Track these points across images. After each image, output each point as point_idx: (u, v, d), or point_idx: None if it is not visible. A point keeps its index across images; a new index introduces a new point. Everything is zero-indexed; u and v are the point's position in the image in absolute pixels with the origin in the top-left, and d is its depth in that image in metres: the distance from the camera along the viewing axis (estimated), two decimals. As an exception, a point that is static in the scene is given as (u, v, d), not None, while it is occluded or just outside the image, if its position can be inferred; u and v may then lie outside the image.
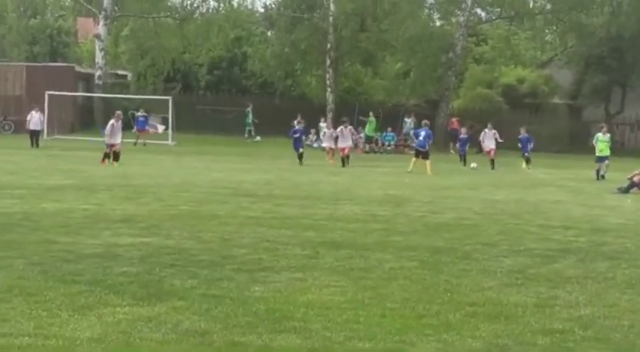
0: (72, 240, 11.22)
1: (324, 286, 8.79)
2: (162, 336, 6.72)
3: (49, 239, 11.20)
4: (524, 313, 7.89)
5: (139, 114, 48.09)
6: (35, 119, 41.16)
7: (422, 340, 6.84)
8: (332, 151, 34.85)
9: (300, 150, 33.17)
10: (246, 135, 54.10)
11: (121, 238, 11.50)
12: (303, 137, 35.56)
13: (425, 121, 34.20)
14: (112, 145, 29.53)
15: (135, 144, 44.35)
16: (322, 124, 52.40)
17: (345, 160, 32.43)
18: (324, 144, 35.87)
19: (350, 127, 35.98)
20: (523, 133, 37.69)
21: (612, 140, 33.61)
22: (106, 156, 29.21)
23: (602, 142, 31.35)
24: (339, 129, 34.55)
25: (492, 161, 34.87)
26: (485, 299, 8.45)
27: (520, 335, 7.10)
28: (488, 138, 36.85)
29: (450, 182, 26.09)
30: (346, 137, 34.29)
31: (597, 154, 31.07)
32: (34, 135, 40.36)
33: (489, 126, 37.91)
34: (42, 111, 42.69)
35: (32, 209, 14.70)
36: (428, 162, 30.48)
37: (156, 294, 8.10)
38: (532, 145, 37.59)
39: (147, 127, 48.22)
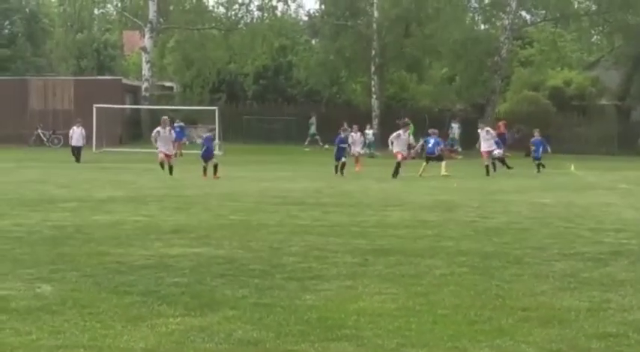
0: (123, 251, 11.31)
1: (375, 293, 8.78)
2: (215, 346, 6.75)
3: (101, 251, 11.30)
4: (578, 317, 7.82)
5: (176, 124, 48.09)
6: (77, 134, 40.06)
7: (474, 346, 6.81)
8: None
9: (343, 159, 31.38)
10: (306, 143, 53.56)
11: (172, 249, 11.58)
12: (348, 146, 34.23)
13: (432, 130, 33.85)
14: (167, 155, 29.63)
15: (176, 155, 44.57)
16: (368, 131, 52.38)
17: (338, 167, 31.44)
18: (355, 150, 34.83)
19: (359, 133, 36.23)
20: (536, 136, 36.08)
21: None
22: (161, 165, 29.57)
23: None
24: (350, 135, 34.68)
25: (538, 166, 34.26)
26: (538, 303, 8.39)
27: (574, 340, 7.04)
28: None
29: (497, 186, 25.95)
30: (356, 142, 35.21)
31: None
32: (76, 150, 39.40)
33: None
34: (84, 125, 41.40)
35: (84, 221, 14.85)
36: (443, 163, 31.45)
37: (208, 304, 8.14)
38: (549, 148, 35.81)
39: (183, 138, 48.18)
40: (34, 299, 8.27)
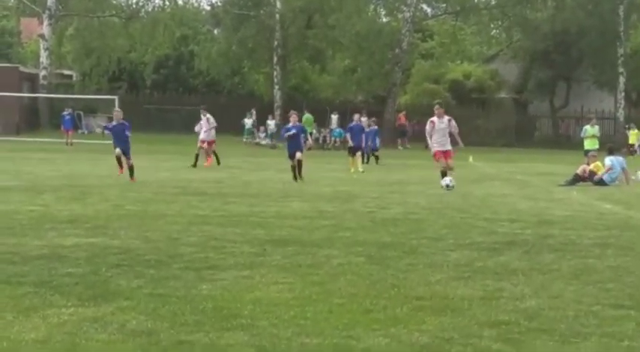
0: (17, 241, 11.10)
1: (272, 283, 8.78)
2: (108, 336, 6.67)
3: (-7, 241, 11.08)
4: (471, 306, 7.95)
5: (65, 112, 47.39)
6: None
7: (369, 335, 6.86)
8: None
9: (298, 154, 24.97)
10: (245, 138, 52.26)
11: (66, 239, 11.40)
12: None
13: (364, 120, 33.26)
14: (208, 142, 30.18)
15: (67, 144, 44.10)
16: (270, 122, 52.44)
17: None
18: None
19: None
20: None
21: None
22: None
23: (590, 136, 30.82)
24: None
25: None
26: (432, 292, 8.50)
27: (466, 328, 7.14)
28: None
29: (397, 177, 26.23)
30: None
31: (586, 148, 30.09)
32: None
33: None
34: None
35: (-26, 211, 14.53)
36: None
37: (102, 295, 8.04)
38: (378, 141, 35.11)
39: (72, 126, 47.57)
40: None
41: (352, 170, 28.40)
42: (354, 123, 31.03)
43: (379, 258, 10.42)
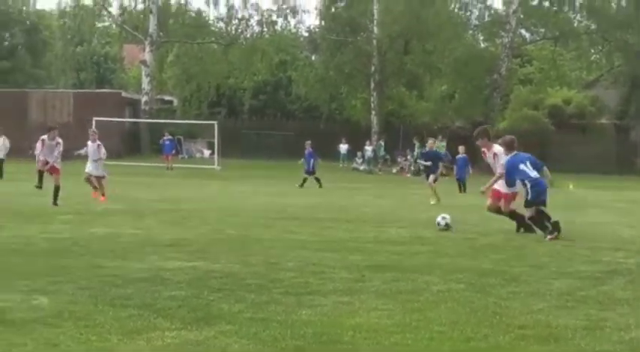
0: (120, 264, 11.29)
1: (372, 309, 8.75)
2: (210, 360, 6.73)
3: (98, 263, 11.28)
4: (574, 335, 7.80)
5: (165, 138, 48.20)
6: None
7: (471, 363, 6.79)
8: None
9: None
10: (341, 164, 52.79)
11: (168, 262, 11.56)
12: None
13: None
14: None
15: (167, 168, 44.82)
16: (367, 147, 52.48)
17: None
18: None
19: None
20: (462, 153, 34.38)
21: None
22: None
23: None
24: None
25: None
26: (535, 321, 8.37)
27: (570, 358, 7.02)
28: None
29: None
30: None
31: None
32: None
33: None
34: (6, 135, 36.94)
35: (81, 234, 14.84)
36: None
37: (204, 318, 8.12)
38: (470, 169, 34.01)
39: (172, 151, 48.33)
40: (30, 311, 8.24)
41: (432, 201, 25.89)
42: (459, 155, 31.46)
43: (480, 286, 10.30)
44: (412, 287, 10.08)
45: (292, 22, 63.78)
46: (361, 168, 51.12)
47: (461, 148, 33.58)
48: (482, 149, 17.31)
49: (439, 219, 17.28)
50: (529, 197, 16.08)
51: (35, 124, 54.28)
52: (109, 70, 75.94)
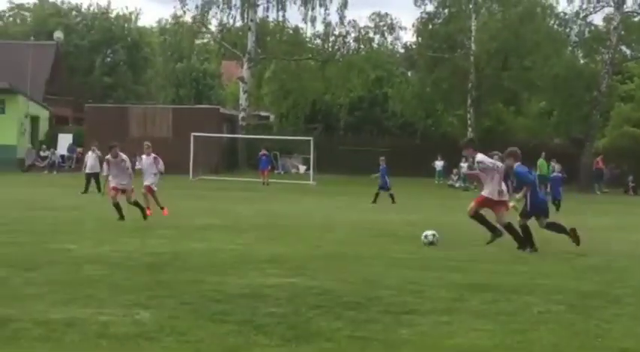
0: (220, 279, 11.40)
1: (471, 330, 8.68)
2: (310, 378, 6.75)
3: (198, 278, 11.42)
4: (681, 361, 7.63)
5: (262, 153, 48.63)
6: (92, 160, 34.67)
7: (574, 387, 6.68)
8: None
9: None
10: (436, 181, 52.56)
11: (267, 278, 11.64)
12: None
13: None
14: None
15: (264, 183, 45.18)
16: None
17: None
18: None
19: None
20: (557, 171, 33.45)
21: None
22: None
23: None
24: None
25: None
26: (639, 345, 8.20)
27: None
28: None
29: (595, 223, 25.48)
30: None
31: None
32: (93, 177, 33.81)
33: None
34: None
35: (181, 248, 15.05)
36: None
37: (303, 335, 8.15)
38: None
39: (268, 167, 48.67)
40: (133, 326, 8.39)
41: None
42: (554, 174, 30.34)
43: (581, 307, 10.12)
44: (512, 308, 9.97)
45: (389, 38, 63.78)
46: (457, 184, 50.77)
47: (557, 166, 32.85)
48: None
49: (428, 234, 17.28)
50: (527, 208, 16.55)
51: (135, 139, 55.28)
52: (208, 86, 76.95)
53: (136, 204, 21.96)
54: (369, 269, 13.04)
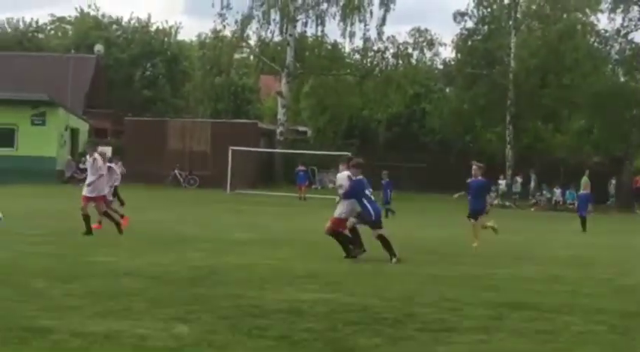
0: (257, 294, 11.40)
1: (510, 349, 8.61)
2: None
3: (236, 293, 11.42)
4: None
5: (299, 168, 48.76)
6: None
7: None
8: None
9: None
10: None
11: (304, 294, 11.62)
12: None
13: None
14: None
15: (300, 198, 45.24)
16: (501, 181, 51.89)
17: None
18: None
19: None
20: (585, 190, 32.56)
21: None
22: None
23: None
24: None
25: None
26: (681, 367, 8.09)
27: None
28: None
29: (635, 242, 25.25)
30: None
31: None
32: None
33: None
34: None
35: (218, 263, 15.08)
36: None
37: (341, 352, 8.12)
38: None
39: (306, 182, 48.76)
40: (170, 339, 8.39)
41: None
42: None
43: (623, 328, 10.00)
44: (551, 327, 9.87)
45: (428, 54, 63.66)
46: (495, 202, 50.50)
47: (586, 184, 32.28)
48: None
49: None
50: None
51: (174, 152, 55.61)
52: (246, 100, 77.24)
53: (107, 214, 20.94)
54: (405, 285, 12.98)
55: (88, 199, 20.16)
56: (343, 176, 17.42)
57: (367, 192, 16.89)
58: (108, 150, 57.58)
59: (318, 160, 57.18)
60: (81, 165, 56.02)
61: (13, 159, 51.49)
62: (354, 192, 16.83)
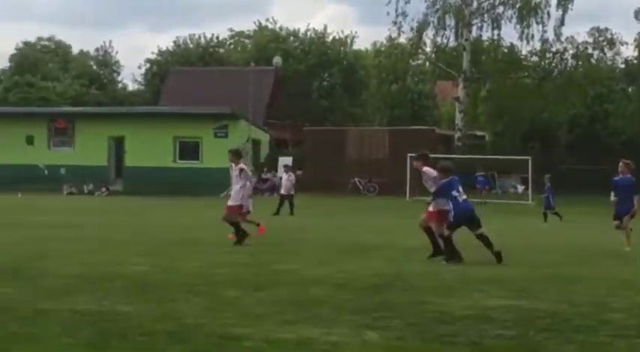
0: (443, 301, 11.38)
1: None
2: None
3: (422, 300, 11.43)
4: None
5: (478, 174, 48.41)
6: (286, 183, 35.87)
7: None
8: None
9: None
10: None
11: (491, 300, 11.51)
12: None
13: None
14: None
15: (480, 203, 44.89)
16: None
17: None
18: None
19: None
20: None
21: None
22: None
23: None
24: None
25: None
26: None
27: None
28: None
29: None
30: None
31: None
32: (285, 199, 35.08)
33: None
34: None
35: (401, 269, 15.14)
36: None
37: (532, 358, 8.03)
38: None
39: (486, 187, 48.32)
40: (362, 347, 8.46)
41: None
42: None
43: None
44: None
45: (609, 53, 62.06)
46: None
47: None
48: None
49: None
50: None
51: (352, 161, 56.16)
52: (423, 106, 77.24)
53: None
54: (595, 291, 12.68)
55: (236, 209, 20.95)
56: (432, 173, 17.77)
57: (454, 192, 17.04)
58: (288, 161, 59.03)
59: (498, 165, 56.58)
60: (263, 176, 57.46)
61: (198, 171, 53.22)
62: (440, 193, 17.32)
